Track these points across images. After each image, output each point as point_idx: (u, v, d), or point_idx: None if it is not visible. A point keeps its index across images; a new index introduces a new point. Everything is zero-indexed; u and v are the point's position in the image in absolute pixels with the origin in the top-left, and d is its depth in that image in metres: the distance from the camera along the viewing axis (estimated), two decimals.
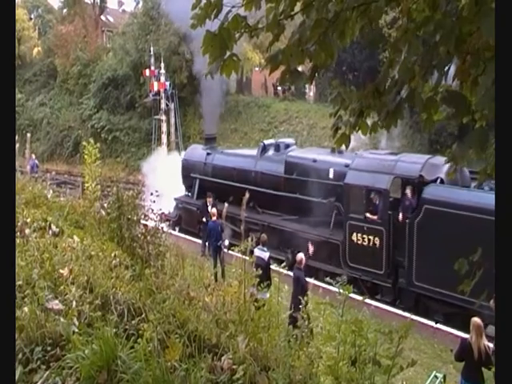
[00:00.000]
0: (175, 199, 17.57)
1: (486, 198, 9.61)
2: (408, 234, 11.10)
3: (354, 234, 12.07)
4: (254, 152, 16.00)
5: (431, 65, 2.95)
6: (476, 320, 6.93)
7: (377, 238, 11.67)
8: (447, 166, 10.58)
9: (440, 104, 3.22)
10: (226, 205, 7.47)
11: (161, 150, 28.04)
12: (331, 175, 12.92)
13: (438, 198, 10.75)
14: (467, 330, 6.78)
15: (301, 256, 9.43)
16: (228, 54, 2.79)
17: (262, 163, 15.18)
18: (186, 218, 17.25)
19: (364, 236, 11.91)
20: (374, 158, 12.49)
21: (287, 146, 15.43)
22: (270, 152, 15.36)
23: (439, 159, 11.39)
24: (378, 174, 11.73)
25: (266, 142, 16.25)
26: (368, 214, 11.89)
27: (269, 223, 14.33)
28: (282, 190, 14.25)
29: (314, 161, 13.65)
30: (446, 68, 2.98)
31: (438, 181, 11.21)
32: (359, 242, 12.03)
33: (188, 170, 17.46)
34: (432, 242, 10.63)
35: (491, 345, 6.75)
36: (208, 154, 17.12)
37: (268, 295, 4.36)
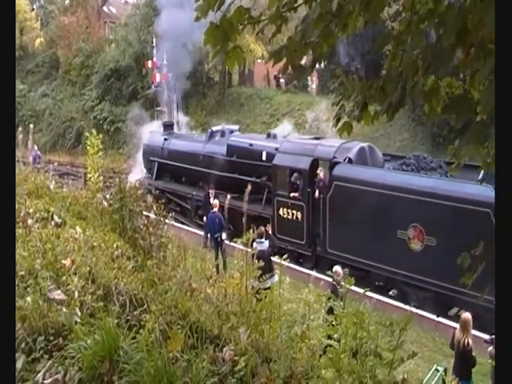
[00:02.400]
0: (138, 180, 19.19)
1: (384, 175, 11.80)
2: (322, 208, 12.72)
3: (281, 209, 13.66)
4: (203, 137, 17.92)
5: (434, 58, 2.93)
6: (465, 315, 6.97)
7: (299, 213, 13.30)
8: (357, 147, 11.26)
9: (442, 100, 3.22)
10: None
11: None
12: (264, 157, 14.56)
13: (344, 175, 12.28)
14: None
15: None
16: (232, 45, 2.77)
17: (208, 147, 16.93)
18: None
19: (289, 211, 13.51)
20: (298, 143, 14.23)
21: (231, 131, 17.35)
22: (217, 137, 17.16)
23: (352, 143, 13.31)
24: (300, 156, 13.30)
25: (214, 128, 18.07)
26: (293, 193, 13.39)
27: (208, 199, 16.18)
28: (225, 170, 15.84)
29: (251, 145, 15.47)
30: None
31: (346, 160, 12.64)
32: (285, 216, 13.63)
33: (148, 154, 19.29)
34: (341, 214, 12.19)
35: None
36: (165, 139, 18.88)
37: (268, 285, 4.35)
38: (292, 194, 13.42)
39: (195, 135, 20.63)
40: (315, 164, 13.19)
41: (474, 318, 9.27)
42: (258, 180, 14.33)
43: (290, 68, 3.07)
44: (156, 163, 18.65)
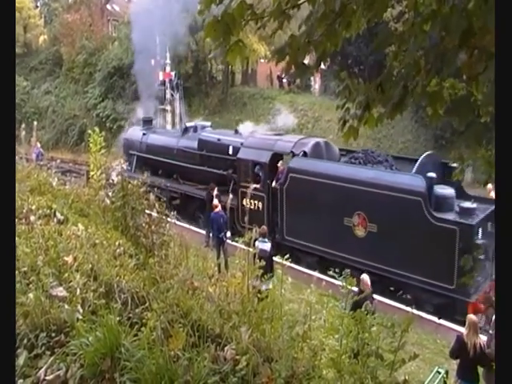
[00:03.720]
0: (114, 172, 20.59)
1: (333, 167, 12.95)
2: (279, 198, 13.72)
3: (244, 200, 14.46)
4: (178, 132, 19.20)
5: (437, 59, 2.93)
6: (471, 317, 6.93)
7: (260, 203, 14.34)
8: (312, 142, 12.56)
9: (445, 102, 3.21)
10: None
11: None
12: (230, 151, 15.55)
13: (298, 168, 13.29)
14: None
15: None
16: (234, 40, 2.77)
17: (182, 141, 17.94)
18: None
19: (251, 201, 14.41)
20: (261, 138, 15.32)
21: (203, 127, 18.41)
22: (190, 132, 18.15)
23: (309, 139, 14.71)
24: (261, 150, 14.44)
25: (188, 124, 19.30)
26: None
27: (185, 192, 17.09)
28: (196, 163, 16.98)
29: (219, 140, 16.41)
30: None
31: (301, 154, 13.58)
32: (248, 206, 14.25)
33: (128, 148, 20.35)
34: (296, 203, 13.12)
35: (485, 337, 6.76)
36: (144, 134, 19.95)
37: (271, 285, 4.36)
38: (254, 186, 13.46)
39: (171, 130, 22.01)
40: (275, 157, 14.23)
41: (413, 299, 10.12)
42: (224, 173, 15.56)
43: (293, 67, 3.07)
44: (135, 156, 19.52)
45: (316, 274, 7.60)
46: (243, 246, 4.17)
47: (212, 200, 13.98)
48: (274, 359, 2.86)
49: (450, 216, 10.91)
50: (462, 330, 8.53)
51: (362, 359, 2.96)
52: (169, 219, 5.68)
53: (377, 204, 11.50)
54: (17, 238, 4.06)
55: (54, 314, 3.02)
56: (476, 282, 10.47)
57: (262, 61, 32.46)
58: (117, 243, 4.64)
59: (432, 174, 11.36)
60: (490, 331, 6.99)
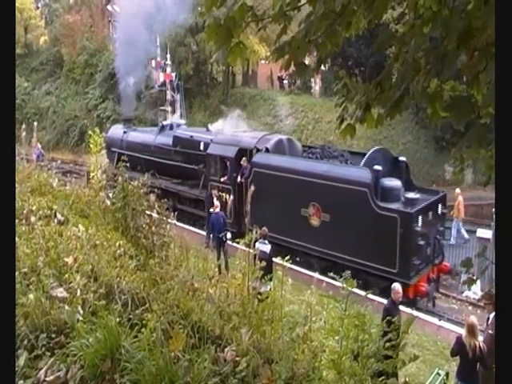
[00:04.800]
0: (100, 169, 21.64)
1: (291, 161, 13.74)
2: (245, 191, 14.40)
3: (214, 192, 15.25)
4: (155, 130, 19.93)
5: (437, 60, 2.93)
6: (472, 320, 6.93)
7: (227, 195, 15.25)
8: (275, 139, 13.80)
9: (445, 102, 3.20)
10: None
11: None
12: (201, 147, 16.37)
13: (261, 162, 14.20)
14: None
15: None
16: (234, 41, 2.77)
17: (159, 138, 18.91)
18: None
19: (220, 193, 15.36)
20: (229, 135, 16.12)
21: (179, 125, 19.39)
22: (166, 130, 19.05)
23: (273, 136, 15.71)
24: (228, 146, 15.33)
25: (164, 122, 20.45)
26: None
27: (160, 185, 16.88)
28: (171, 159, 17.83)
29: (191, 136, 17.26)
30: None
31: (264, 150, 14.46)
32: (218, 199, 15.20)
33: (110, 145, 20.71)
34: (259, 195, 13.38)
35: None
36: (124, 132, 20.94)
37: (269, 288, 4.36)
38: (222, 179, 15.45)
39: (149, 128, 22.60)
40: (241, 152, 15.00)
41: (362, 282, 10.55)
42: (196, 167, 16.43)
43: (292, 65, 3.07)
44: (116, 153, 19.96)
45: (316, 275, 7.61)
46: (244, 247, 4.17)
47: (212, 202, 14.00)
48: (274, 361, 2.85)
49: (395, 206, 11.69)
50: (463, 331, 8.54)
51: (362, 361, 2.96)
52: (169, 220, 5.68)
53: (329, 195, 12.38)
54: (17, 239, 4.06)
55: (54, 315, 3.02)
56: (415, 265, 11.47)
57: (263, 62, 32.47)
58: (117, 244, 4.64)
59: (378, 167, 12.04)
60: (489, 331, 6.97)
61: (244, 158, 14.72)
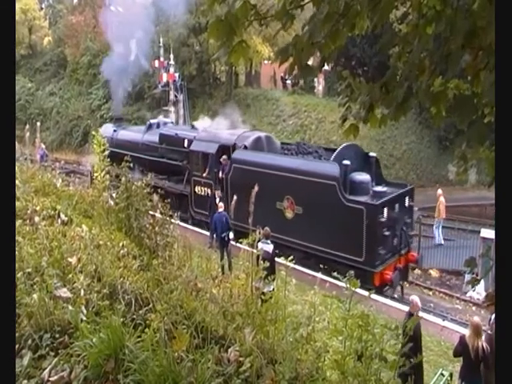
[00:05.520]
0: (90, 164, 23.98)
1: (267, 158, 14.46)
2: (225, 185, 15.20)
3: (196, 187, 16.32)
4: (144, 128, 20.67)
5: (441, 59, 2.92)
6: (476, 320, 6.90)
7: (209, 189, 15.94)
8: (254, 136, 14.62)
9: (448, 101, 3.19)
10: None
11: None
12: (185, 144, 17.02)
13: (240, 158, 14.83)
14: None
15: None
16: (237, 40, 2.76)
17: (146, 136, 19.69)
18: None
19: (201, 188, 16.23)
20: (211, 132, 16.97)
21: (165, 123, 20.41)
22: (153, 128, 19.78)
23: (252, 133, 16.45)
24: (210, 142, 16.03)
25: (152, 120, 21.04)
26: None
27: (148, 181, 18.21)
28: (158, 156, 18.48)
29: (176, 134, 17.96)
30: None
31: (243, 147, 15.17)
32: (199, 193, 16.36)
33: None
34: (239, 190, 13.84)
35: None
36: (114, 130, 21.74)
37: (272, 288, 4.35)
38: (204, 174, 16.17)
39: (138, 127, 23.43)
40: (221, 149, 15.63)
41: (331, 270, 10.41)
42: (180, 163, 17.11)
43: (296, 68, 3.06)
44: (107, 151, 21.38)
45: (320, 275, 7.61)
46: (247, 248, 4.17)
47: (215, 203, 14.02)
48: (277, 361, 2.85)
49: (363, 198, 12.28)
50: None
51: (366, 361, 2.95)
52: (172, 220, 5.68)
53: (301, 189, 13.00)
54: (21, 239, 4.07)
55: (58, 315, 3.02)
56: (381, 255, 12.05)
57: (266, 62, 32.47)
58: (121, 244, 4.64)
59: (347, 162, 12.62)
60: (489, 331, 6.95)
61: (224, 157, 15.38)
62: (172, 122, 21.50)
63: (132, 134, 20.81)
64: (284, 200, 13.43)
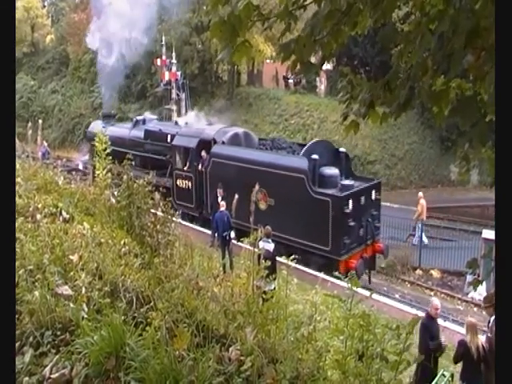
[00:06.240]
0: (80, 160, 24.42)
1: (243, 152, 15.31)
2: (204, 179, 16.18)
3: (178, 180, 17.08)
4: (130, 125, 21.56)
5: (444, 59, 2.91)
6: (470, 320, 6.91)
7: (189, 183, 16.77)
8: (232, 132, 15.45)
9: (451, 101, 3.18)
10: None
11: None
12: (169, 140, 17.79)
13: (218, 152, 15.72)
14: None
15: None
16: (240, 40, 2.76)
17: (132, 132, 20.44)
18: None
19: (183, 181, 17.00)
20: (192, 128, 17.89)
21: (151, 120, 21.23)
22: (139, 125, 20.62)
23: (230, 128, 17.16)
24: (190, 137, 16.88)
25: (138, 117, 21.95)
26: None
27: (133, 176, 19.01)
28: (143, 151, 19.15)
29: (160, 130, 18.78)
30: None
31: (221, 142, 16.06)
32: (180, 186, 17.09)
33: (90, 140, 22.19)
34: (217, 183, 15.14)
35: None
36: (103, 126, 21.73)
37: (273, 286, 4.35)
38: (185, 168, 17.02)
39: (125, 124, 24.12)
40: (201, 143, 16.43)
41: (302, 260, 11.03)
42: (164, 158, 17.90)
43: (298, 65, 3.06)
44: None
45: (321, 275, 7.62)
46: (248, 246, 4.17)
47: (217, 202, 14.02)
48: (278, 360, 2.85)
49: (330, 191, 13.08)
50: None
51: (367, 361, 2.95)
52: (174, 219, 5.67)
53: (273, 181, 13.71)
54: (23, 236, 4.08)
55: (59, 313, 3.02)
56: (346, 244, 12.85)
57: (268, 61, 32.47)
58: (122, 242, 4.64)
59: (315, 156, 13.40)
60: (489, 334, 6.95)
61: (203, 152, 16.21)
62: (157, 119, 22.47)
63: (120, 130, 21.40)
64: (258, 192, 13.80)
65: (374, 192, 13.85)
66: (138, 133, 19.90)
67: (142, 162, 18.59)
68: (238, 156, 15.22)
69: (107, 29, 24.60)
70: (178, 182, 17.16)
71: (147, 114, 23.61)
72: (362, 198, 13.27)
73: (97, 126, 23.06)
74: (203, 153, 16.23)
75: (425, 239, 17.32)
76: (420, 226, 17.29)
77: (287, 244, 13.06)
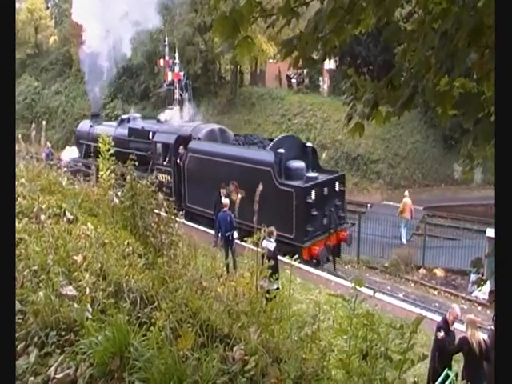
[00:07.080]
0: (71, 159, 24.51)
1: (217, 147, 16.28)
2: (182, 173, 17.11)
3: (159, 175, 17.31)
4: (116, 123, 22.38)
5: (447, 58, 2.90)
6: (470, 316, 6.92)
7: (169, 177, 17.76)
8: (207, 128, 18.05)
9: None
10: None
11: None
12: (151, 136, 18.68)
13: (194, 148, 16.62)
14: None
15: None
16: (242, 36, 2.75)
17: (118, 130, 20.99)
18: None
19: (163, 175, 17.77)
20: (171, 125, 19.07)
21: (135, 118, 22.02)
22: (125, 123, 21.39)
23: (206, 125, 18.32)
24: (170, 134, 17.95)
25: (123, 116, 22.89)
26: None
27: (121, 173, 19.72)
28: (127, 148, 19.09)
29: (142, 127, 19.82)
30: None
31: (197, 138, 16.94)
32: (161, 180, 17.06)
33: (78, 138, 24.22)
34: (193, 176, 16.66)
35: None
36: (91, 126, 23.49)
37: (276, 286, 4.35)
38: (164, 163, 17.95)
39: (111, 122, 24.87)
40: (179, 139, 17.35)
41: (286, 251, 11.16)
42: (146, 154, 18.47)
43: (300, 62, 3.06)
44: (84, 145, 23.08)
45: (325, 274, 7.61)
46: (251, 246, 4.17)
47: (220, 201, 14.03)
48: (282, 360, 2.85)
49: (297, 183, 13.77)
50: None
51: (371, 360, 2.95)
52: (177, 219, 5.68)
53: (243, 174, 14.55)
54: (27, 237, 4.09)
55: (63, 313, 3.04)
56: (309, 232, 13.57)
57: (271, 61, 32.41)
58: (126, 243, 4.66)
59: (281, 150, 14.14)
60: (492, 327, 6.96)
61: (181, 147, 17.07)
62: (140, 117, 23.25)
63: (106, 128, 21.84)
64: (230, 184, 15.05)
65: (337, 183, 14.61)
66: (123, 131, 20.65)
67: (126, 159, 19.04)
68: (211, 151, 16.19)
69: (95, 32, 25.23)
70: (159, 177, 17.67)
71: (132, 113, 24.72)
72: (326, 189, 14.04)
73: (85, 125, 24.15)
74: (181, 148, 17.16)
75: (403, 239, 17.57)
76: (404, 223, 17.68)
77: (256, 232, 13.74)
